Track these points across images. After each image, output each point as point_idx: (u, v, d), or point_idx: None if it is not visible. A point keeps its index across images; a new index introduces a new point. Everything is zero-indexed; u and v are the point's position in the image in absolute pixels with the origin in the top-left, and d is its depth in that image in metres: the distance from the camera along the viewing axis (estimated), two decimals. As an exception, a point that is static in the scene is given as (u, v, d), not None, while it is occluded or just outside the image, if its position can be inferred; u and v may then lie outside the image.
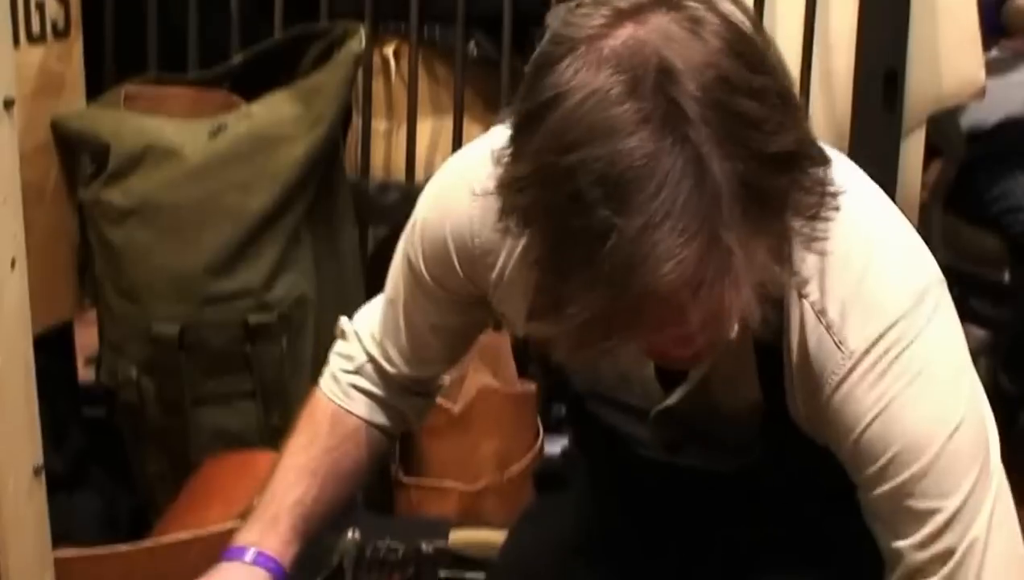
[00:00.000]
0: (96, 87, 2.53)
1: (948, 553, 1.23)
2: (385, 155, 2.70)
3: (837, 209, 1.11)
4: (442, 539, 2.23)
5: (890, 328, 1.21)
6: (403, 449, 2.50)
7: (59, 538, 2.05)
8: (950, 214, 3.33)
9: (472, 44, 2.57)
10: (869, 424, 1.22)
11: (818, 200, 1.08)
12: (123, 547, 2.19)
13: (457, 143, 2.58)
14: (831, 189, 1.09)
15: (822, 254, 1.18)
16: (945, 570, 1.23)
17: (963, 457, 1.23)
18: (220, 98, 2.47)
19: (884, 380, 1.21)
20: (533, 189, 1.05)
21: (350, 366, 1.57)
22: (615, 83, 1.02)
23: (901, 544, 1.24)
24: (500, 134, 1.12)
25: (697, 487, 1.46)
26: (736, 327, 1.10)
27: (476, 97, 2.61)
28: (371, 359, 1.56)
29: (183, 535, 2.14)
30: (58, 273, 2.46)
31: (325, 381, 1.59)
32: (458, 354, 1.59)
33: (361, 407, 1.56)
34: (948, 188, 3.29)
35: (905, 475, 1.22)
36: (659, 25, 1.04)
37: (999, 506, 1.25)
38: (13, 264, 1.95)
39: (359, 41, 2.42)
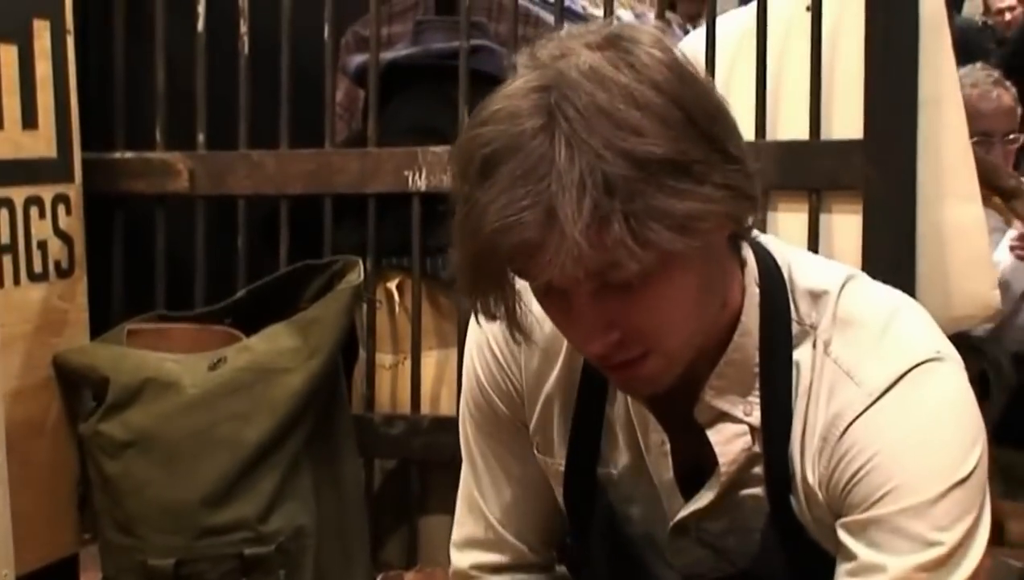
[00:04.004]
0: (104, 325, 2.58)
1: None
2: (391, 388, 2.70)
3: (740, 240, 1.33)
4: None
5: (908, 371, 1.33)
6: None
7: None
8: (1004, 447, 3.22)
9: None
10: (874, 456, 1.31)
11: (693, 210, 1.20)
12: None
13: (461, 375, 2.57)
14: (718, 210, 1.22)
15: (843, 317, 1.36)
16: None
17: (957, 510, 1.31)
18: (221, 334, 2.51)
19: (899, 419, 1.32)
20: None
21: None
22: (529, 90, 1.22)
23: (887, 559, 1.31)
24: None
25: None
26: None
27: (481, 329, 2.61)
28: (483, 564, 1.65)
29: None
30: (59, 507, 2.48)
31: None
32: (545, 512, 1.62)
33: None
34: (1000, 418, 3.20)
35: (895, 508, 1.30)
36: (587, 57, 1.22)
37: None
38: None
39: (358, 274, 2.47)
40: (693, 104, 1.23)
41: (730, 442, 1.41)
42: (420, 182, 2.59)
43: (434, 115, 2.65)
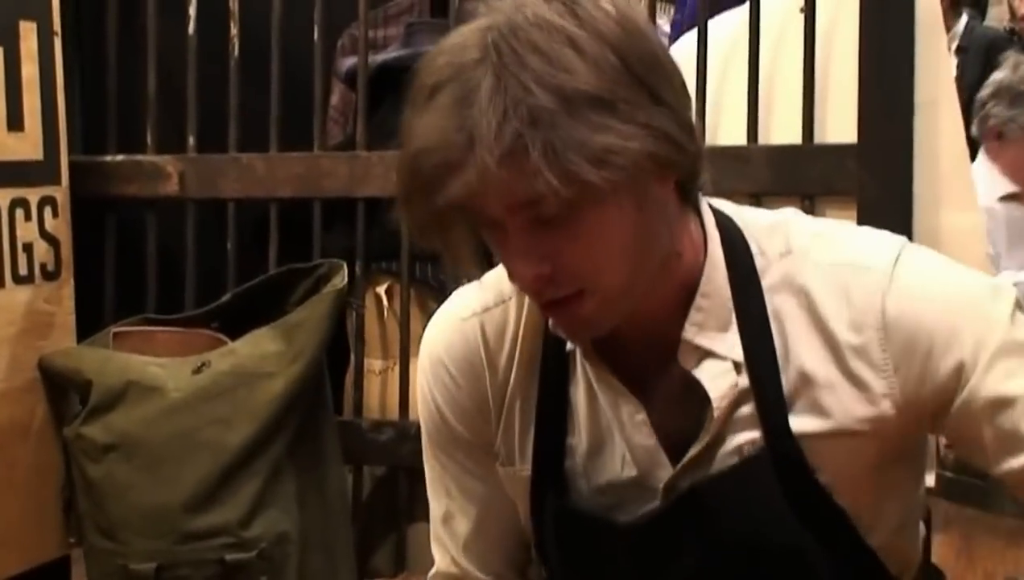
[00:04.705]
0: (95, 328, 2.57)
1: None
2: (380, 394, 2.69)
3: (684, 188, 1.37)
4: None
5: (902, 250, 1.40)
6: None
7: None
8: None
9: (464, 281, 2.58)
10: (932, 320, 1.36)
11: (610, 144, 1.23)
12: None
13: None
14: (646, 151, 1.25)
15: (812, 231, 1.43)
16: None
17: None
18: (207, 337, 2.50)
19: (922, 275, 1.39)
20: None
21: None
22: (477, 29, 1.29)
23: None
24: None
25: None
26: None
27: (471, 334, 2.60)
28: None
29: None
30: (44, 511, 2.48)
31: None
32: (513, 536, 1.63)
33: None
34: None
35: (997, 326, 1.36)
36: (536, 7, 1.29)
37: None
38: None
39: (342, 277, 2.46)
40: (632, 54, 1.28)
41: (718, 378, 1.42)
42: (410, 186, 2.57)
43: (424, 118, 2.63)
